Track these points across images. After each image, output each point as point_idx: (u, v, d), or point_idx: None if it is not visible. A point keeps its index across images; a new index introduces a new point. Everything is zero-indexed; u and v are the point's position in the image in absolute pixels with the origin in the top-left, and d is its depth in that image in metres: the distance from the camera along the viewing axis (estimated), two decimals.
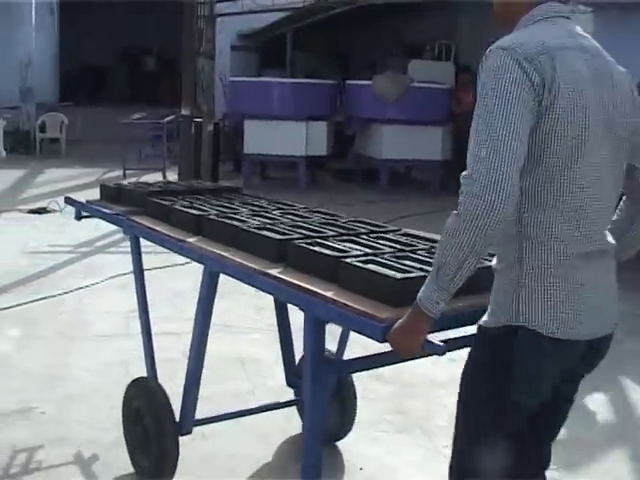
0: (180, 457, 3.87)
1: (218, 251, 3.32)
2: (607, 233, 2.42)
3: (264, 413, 4.48)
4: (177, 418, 3.89)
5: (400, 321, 2.31)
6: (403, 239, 3.28)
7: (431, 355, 2.38)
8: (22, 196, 13.36)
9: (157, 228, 3.79)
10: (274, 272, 2.96)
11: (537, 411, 2.44)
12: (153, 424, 3.89)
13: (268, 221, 3.57)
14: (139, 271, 4.15)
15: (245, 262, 3.12)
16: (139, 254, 4.13)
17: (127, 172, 15.35)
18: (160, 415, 3.88)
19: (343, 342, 4.08)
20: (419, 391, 5.26)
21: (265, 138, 14.33)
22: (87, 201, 4.44)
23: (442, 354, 2.30)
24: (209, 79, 15.12)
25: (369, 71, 16.69)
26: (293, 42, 20.68)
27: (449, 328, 2.50)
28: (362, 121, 15.06)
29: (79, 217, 4.51)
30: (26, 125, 20.76)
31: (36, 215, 11.46)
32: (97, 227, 9.76)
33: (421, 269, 2.68)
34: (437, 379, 5.44)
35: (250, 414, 4.40)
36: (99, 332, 6.15)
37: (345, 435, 4.48)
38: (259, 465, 4.24)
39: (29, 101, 21.31)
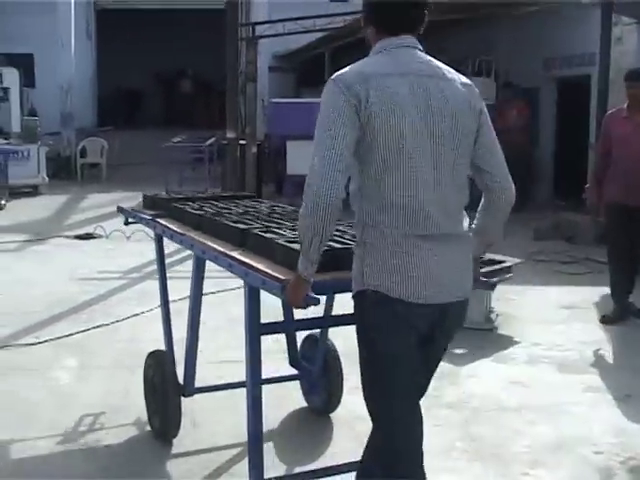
0: None
1: (202, 240, 4.10)
2: (449, 221, 2.94)
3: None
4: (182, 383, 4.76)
5: (289, 282, 3.05)
6: (342, 227, 3.91)
7: (312, 305, 3.02)
8: (67, 222, 13.43)
9: (170, 226, 4.56)
10: (231, 253, 3.71)
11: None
12: (161, 387, 4.75)
13: (249, 217, 4.33)
14: (160, 259, 5.10)
15: (216, 246, 3.90)
16: (161, 247, 5.05)
17: None
18: (167, 380, 4.72)
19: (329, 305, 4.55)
20: (490, 417, 5.11)
21: (308, 159, 14.20)
22: (132, 209, 5.31)
23: (317, 304, 3.01)
24: (251, 101, 15.05)
25: None
26: (331, 61, 20.64)
27: (333, 293, 3.31)
28: None
29: (127, 222, 5.36)
30: (67, 150, 20.97)
31: (83, 241, 11.49)
32: (142, 253, 9.79)
33: (328, 246, 3.27)
34: (507, 404, 5.30)
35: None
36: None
37: (333, 410, 5.07)
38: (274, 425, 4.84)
39: (69, 126, 21.49)
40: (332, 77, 2.93)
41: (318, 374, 5.03)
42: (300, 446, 4.73)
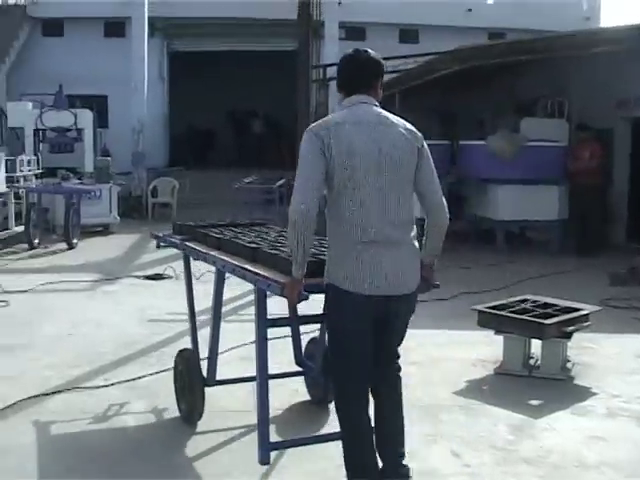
0: None
1: (222, 257, 5.14)
2: (394, 232, 3.96)
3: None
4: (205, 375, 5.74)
5: (286, 284, 4.06)
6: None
7: (303, 300, 4.05)
8: (137, 262, 13.49)
9: (195, 247, 5.60)
10: (245, 265, 4.77)
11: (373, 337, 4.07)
12: (188, 379, 5.73)
13: (260, 239, 5.39)
14: (188, 274, 6.08)
15: (233, 262, 4.96)
16: (189, 264, 6.01)
17: None
18: (193, 373, 5.73)
19: None
20: (569, 474, 4.89)
21: None
22: (163, 234, 6.22)
23: (306, 299, 4.03)
24: None
25: (478, 130, 16.42)
26: (401, 103, 20.53)
27: (319, 292, 4.11)
28: (477, 182, 14.79)
29: (158, 245, 6.37)
30: (138, 190, 21.19)
31: (152, 281, 11.51)
32: (211, 294, 9.74)
33: (317, 257, 4.37)
34: (587, 460, 5.08)
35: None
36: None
37: (331, 401, 5.23)
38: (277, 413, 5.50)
39: (141, 166, 21.75)
40: (307, 128, 4.05)
41: (318, 371, 5.82)
42: (301, 427, 5.53)
